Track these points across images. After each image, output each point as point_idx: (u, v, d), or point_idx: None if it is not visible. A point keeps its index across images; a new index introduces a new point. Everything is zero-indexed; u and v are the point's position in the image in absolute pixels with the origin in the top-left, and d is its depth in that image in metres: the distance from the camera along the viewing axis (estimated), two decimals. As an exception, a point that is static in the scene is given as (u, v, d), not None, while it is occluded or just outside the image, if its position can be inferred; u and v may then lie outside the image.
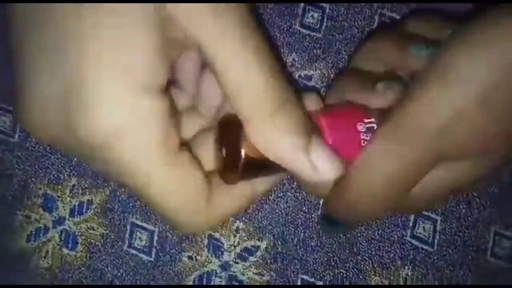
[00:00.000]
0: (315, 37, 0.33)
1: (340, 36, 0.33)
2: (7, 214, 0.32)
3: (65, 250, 0.32)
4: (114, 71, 0.19)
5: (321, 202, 0.32)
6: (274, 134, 0.21)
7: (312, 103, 0.27)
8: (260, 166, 0.23)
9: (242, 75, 0.21)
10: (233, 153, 0.23)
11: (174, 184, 0.21)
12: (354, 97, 0.27)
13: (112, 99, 0.19)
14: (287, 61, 0.33)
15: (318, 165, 0.22)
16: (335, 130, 0.25)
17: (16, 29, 0.20)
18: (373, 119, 0.26)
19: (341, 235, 0.32)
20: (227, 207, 0.24)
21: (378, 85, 0.26)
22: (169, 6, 0.19)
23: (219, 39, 0.20)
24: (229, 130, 0.24)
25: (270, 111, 0.21)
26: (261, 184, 0.25)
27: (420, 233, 0.33)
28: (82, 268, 0.32)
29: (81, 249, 0.32)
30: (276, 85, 0.21)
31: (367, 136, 0.25)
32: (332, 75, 0.33)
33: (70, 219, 0.32)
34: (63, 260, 0.32)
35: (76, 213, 0.32)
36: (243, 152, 0.22)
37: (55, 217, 0.32)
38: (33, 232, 0.32)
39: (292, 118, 0.22)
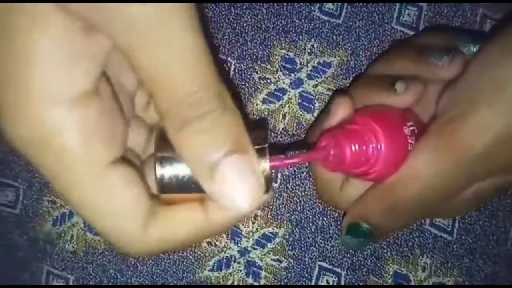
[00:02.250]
0: (334, 23, 0.33)
1: (360, 22, 0.33)
2: (34, 200, 0.34)
3: (89, 235, 0.33)
4: (14, 85, 0.18)
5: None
6: (189, 145, 0.19)
7: (345, 106, 0.26)
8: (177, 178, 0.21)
9: (163, 68, 0.18)
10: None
11: (101, 202, 0.19)
12: (373, 100, 0.27)
13: (19, 114, 0.18)
14: (306, 47, 0.33)
15: (230, 195, 0.19)
16: (387, 134, 0.25)
17: None
18: (411, 122, 0.26)
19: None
20: (170, 235, 0.21)
21: (397, 84, 0.26)
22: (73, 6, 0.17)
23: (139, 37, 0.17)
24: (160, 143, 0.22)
25: (187, 116, 0.18)
26: (218, 215, 0.21)
27: (439, 221, 0.32)
28: (106, 252, 0.33)
29: (105, 233, 0.33)
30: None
31: (412, 140, 0.25)
32: (351, 62, 0.33)
33: (93, 204, 0.33)
34: (88, 244, 0.33)
35: (99, 199, 0.33)
36: (157, 166, 0.21)
37: (79, 203, 0.33)
38: (59, 217, 0.34)
39: (219, 129, 0.19)
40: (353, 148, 0.24)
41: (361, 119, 0.26)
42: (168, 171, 0.21)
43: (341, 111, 0.26)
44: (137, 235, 0.20)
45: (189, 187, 0.21)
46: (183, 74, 0.18)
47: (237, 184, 0.19)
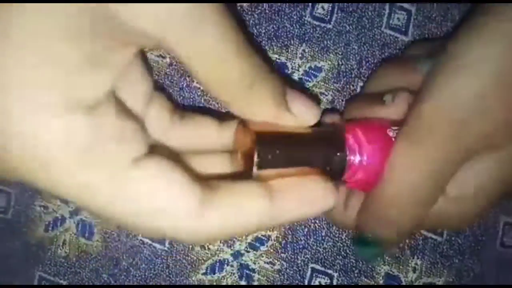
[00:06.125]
0: (325, 28, 0.33)
1: (350, 27, 0.33)
2: (26, 205, 0.33)
3: (82, 240, 0.33)
4: (26, 89, 0.17)
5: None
6: (253, 108, 0.22)
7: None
8: (276, 150, 0.23)
9: (216, 66, 0.19)
10: (246, 153, 0.23)
11: (137, 195, 0.19)
12: (366, 114, 0.28)
13: (27, 121, 0.17)
14: (297, 52, 0.33)
15: (296, 113, 0.23)
16: (371, 139, 0.25)
17: None
18: (398, 127, 0.26)
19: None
20: (230, 222, 0.20)
21: (385, 96, 0.27)
22: (114, 7, 0.17)
23: (191, 38, 0.18)
24: (243, 134, 0.24)
25: (245, 89, 0.20)
26: (284, 203, 0.21)
27: (429, 223, 0.33)
28: (99, 257, 0.33)
29: (98, 238, 0.33)
30: (248, 67, 0.20)
31: None
32: (342, 66, 0.33)
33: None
34: (80, 249, 0.33)
35: (91, 204, 0.33)
36: (255, 152, 0.22)
37: (71, 208, 0.33)
38: (51, 222, 0.33)
39: (266, 90, 0.21)
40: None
41: (348, 127, 0.26)
42: (265, 146, 0.22)
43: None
44: (193, 226, 0.19)
45: (288, 161, 0.23)
46: (229, 58, 0.19)
47: (301, 106, 0.23)
